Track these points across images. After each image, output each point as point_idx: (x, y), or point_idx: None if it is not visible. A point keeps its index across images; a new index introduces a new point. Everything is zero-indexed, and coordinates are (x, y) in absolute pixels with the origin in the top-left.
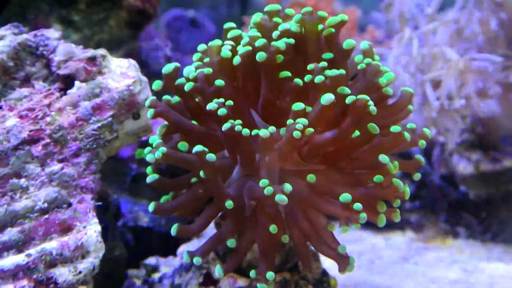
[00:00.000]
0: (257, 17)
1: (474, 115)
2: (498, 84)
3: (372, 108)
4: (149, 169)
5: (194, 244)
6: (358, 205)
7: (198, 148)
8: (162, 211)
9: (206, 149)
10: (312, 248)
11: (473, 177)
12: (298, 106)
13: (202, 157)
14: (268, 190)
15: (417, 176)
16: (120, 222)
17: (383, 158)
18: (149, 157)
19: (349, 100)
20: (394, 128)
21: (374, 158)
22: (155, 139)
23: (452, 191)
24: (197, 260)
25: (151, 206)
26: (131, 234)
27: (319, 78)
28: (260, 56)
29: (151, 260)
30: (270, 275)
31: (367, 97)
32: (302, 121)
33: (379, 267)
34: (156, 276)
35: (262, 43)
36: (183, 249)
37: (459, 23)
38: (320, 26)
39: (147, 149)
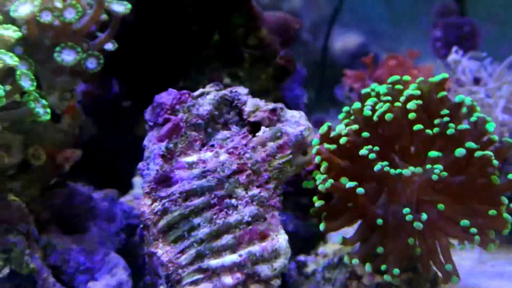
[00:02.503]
0: (383, 87)
1: None
2: None
3: (495, 162)
4: (315, 198)
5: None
6: (474, 230)
7: (350, 184)
8: (331, 229)
9: (356, 184)
10: None
11: None
12: (434, 154)
13: (354, 190)
14: (409, 217)
15: None
16: None
17: (503, 199)
18: (321, 187)
19: (477, 154)
20: (511, 176)
21: (493, 197)
22: (317, 173)
23: None
24: (355, 261)
25: (322, 226)
26: None
27: (450, 131)
28: (395, 115)
29: (300, 257)
30: (396, 271)
31: (491, 154)
32: (438, 167)
33: None
34: (308, 270)
35: (398, 105)
36: (323, 250)
37: None
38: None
39: (311, 182)
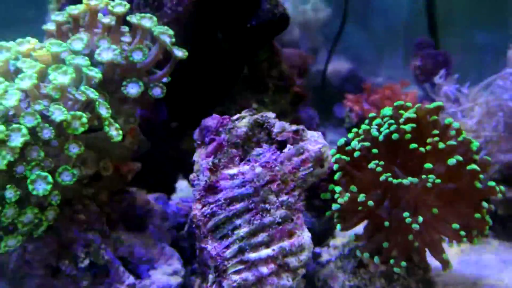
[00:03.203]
0: (389, 110)
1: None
2: None
3: (481, 176)
4: (335, 205)
5: (337, 240)
6: (462, 232)
7: (361, 197)
8: (346, 228)
9: (365, 196)
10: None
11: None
12: (428, 165)
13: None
14: (408, 220)
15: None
16: None
17: (484, 204)
18: (340, 200)
19: (469, 167)
20: (491, 183)
21: (475, 201)
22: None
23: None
24: (365, 254)
25: (339, 227)
26: None
27: (441, 146)
28: (395, 136)
29: (316, 249)
30: (403, 263)
31: (478, 168)
32: (432, 177)
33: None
34: (323, 259)
35: (395, 128)
36: (333, 243)
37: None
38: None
39: (328, 194)
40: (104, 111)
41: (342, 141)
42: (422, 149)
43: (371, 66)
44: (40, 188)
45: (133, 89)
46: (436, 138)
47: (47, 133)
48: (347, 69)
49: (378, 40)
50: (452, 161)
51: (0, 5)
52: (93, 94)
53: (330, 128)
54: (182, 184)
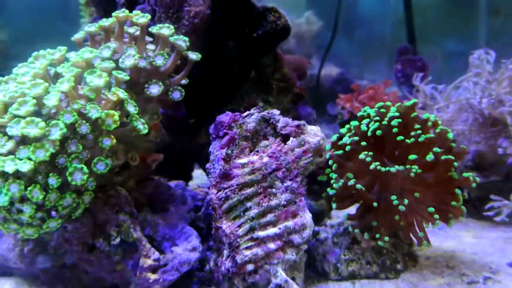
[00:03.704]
0: (373, 111)
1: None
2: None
3: (456, 164)
4: (331, 190)
5: (333, 220)
6: (436, 216)
7: (352, 182)
8: (340, 208)
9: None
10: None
11: None
12: (412, 157)
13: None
14: (395, 202)
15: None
16: None
17: (458, 191)
18: (335, 185)
19: (443, 157)
20: (467, 174)
21: (452, 189)
22: (329, 171)
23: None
24: (356, 230)
25: (334, 206)
26: None
27: (422, 139)
28: (380, 132)
29: (314, 228)
30: (387, 238)
31: (453, 158)
32: (415, 167)
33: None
34: (321, 237)
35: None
36: (329, 222)
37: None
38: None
39: (324, 176)
40: (132, 108)
41: (335, 137)
42: (407, 140)
43: (357, 70)
44: (78, 178)
45: (154, 89)
46: (419, 131)
47: (84, 128)
48: (337, 72)
49: (363, 48)
50: (430, 157)
51: (39, 20)
52: (122, 94)
53: (324, 124)
54: (197, 173)
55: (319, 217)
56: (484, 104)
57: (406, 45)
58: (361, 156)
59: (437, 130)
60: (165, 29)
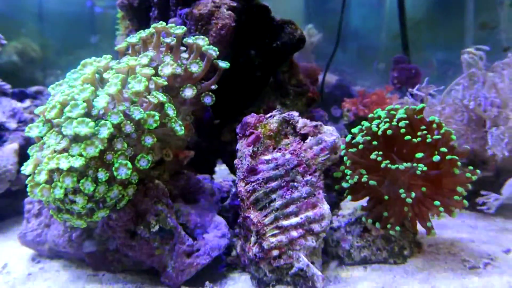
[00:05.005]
0: (383, 112)
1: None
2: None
3: (459, 164)
4: (346, 184)
5: (344, 211)
6: (441, 209)
7: (365, 178)
8: (355, 200)
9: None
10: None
11: None
12: (419, 155)
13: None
14: (403, 195)
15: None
16: None
17: (460, 189)
18: (350, 181)
19: (448, 157)
20: (467, 174)
21: (454, 185)
22: (343, 168)
23: None
24: (369, 221)
25: (349, 197)
26: None
27: (429, 140)
28: (390, 132)
29: None
30: (398, 228)
31: (457, 158)
32: (421, 166)
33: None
34: (334, 225)
35: (394, 124)
36: (341, 213)
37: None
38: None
39: (339, 173)
40: (171, 111)
41: (349, 137)
42: (414, 140)
43: (350, 77)
44: (123, 173)
45: (188, 93)
46: (425, 132)
47: (128, 128)
48: (336, 79)
49: (361, 58)
50: (436, 157)
51: (76, 32)
52: (162, 97)
53: (329, 124)
54: (220, 168)
55: (332, 208)
56: (471, 106)
57: (402, 55)
58: (372, 156)
59: (442, 131)
60: (201, 40)
